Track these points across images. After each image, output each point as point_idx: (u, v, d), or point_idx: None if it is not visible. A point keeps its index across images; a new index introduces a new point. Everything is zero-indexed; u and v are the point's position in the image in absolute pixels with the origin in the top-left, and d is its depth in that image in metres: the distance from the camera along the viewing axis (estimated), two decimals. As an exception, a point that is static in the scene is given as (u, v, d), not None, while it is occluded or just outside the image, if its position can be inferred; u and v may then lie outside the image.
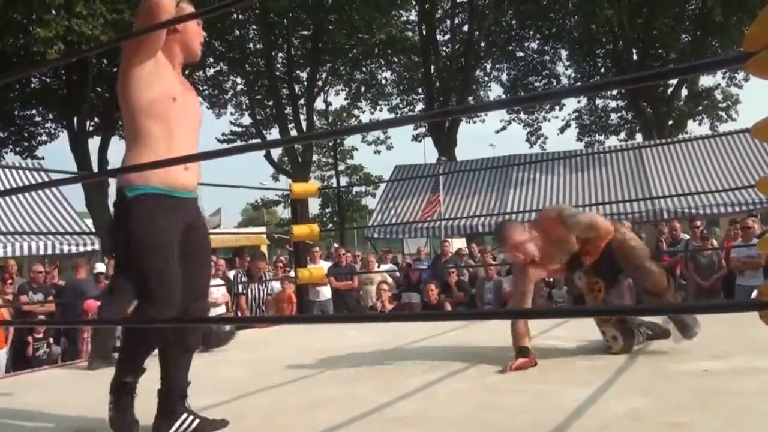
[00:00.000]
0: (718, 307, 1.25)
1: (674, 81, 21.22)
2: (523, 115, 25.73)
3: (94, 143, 20.29)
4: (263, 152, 24.52)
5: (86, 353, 7.19)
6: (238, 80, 25.10)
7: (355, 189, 31.52)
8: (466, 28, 23.92)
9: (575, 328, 3.92)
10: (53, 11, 15.74)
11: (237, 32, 23.07)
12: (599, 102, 25.23)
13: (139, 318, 2.33)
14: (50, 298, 7.83)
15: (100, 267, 9.14)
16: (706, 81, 23.97)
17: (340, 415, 2.42)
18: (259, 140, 23.82)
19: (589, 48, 23.79)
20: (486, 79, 25.72)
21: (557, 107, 25.47)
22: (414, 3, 23.19)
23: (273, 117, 24.73)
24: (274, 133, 25.05)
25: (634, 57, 21.77)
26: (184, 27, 2.38)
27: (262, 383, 3.08)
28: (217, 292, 8.27)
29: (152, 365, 2.37)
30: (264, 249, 14.86)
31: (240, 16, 22.15)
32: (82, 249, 11.80)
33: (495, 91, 26.84)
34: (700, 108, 22.83)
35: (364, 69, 25.60)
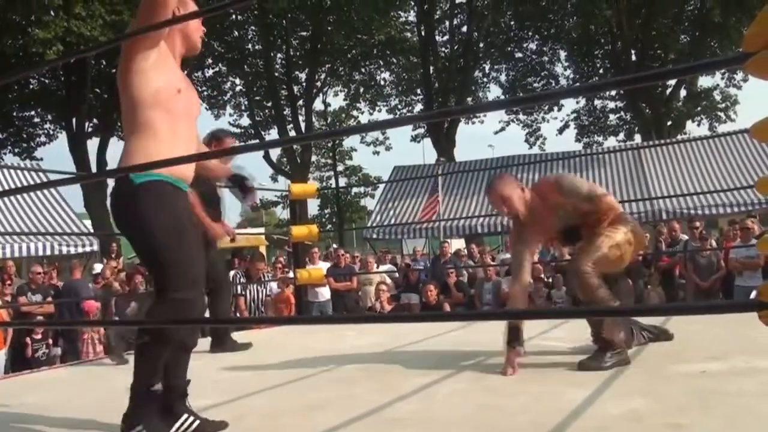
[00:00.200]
0: (717, 307, 1.25)
1: (673, 81, 21.25)
2: (522, 116, 25.77)
3: (92, 144, 20.31)
4: (262, 153, 24.54)
5: (86, 354, 7.20)
6: (237, 81, 25.15)
7: (354, 190, 31.53)
8: (464, 28, 23.97)
9: (574, 328, 3.92)
10: (52, 12, 15.74)
11: (236, 33, 23.08)
12: (598, 103, 25.29)
13: (140, 318, 2.30)
14: (49, 299, 7.82)
15: (99, 268, 9.15)
16: (704, 81, 24.06)
17: (340, 416, 2.41)
18: (257, 141, 23.82)
19: (587, 49, 23.82)
20: (485, 79, 25.80)
21: (556, 108, 25.52)
22: (413, 4, 23.22)
23: (272, 118, 24.74)
24: (272, 134, 25.07)
25: (633, 58, 21.80)
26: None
27: (261, 384, 3.07)
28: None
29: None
30: (263, 250, 14.85)
31: (239, 17, 22.16)
32: (80, 250, 11.80)
33: (494, 92, 26.94)
34: (699, 108, 22.86)
35: (362, 70, 25.62)
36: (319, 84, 25.29)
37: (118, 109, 2.36)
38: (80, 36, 15.34)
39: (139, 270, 7.19)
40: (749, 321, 1.43)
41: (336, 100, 57.49)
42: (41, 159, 20.97)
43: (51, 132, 22.03)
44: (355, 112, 27.66)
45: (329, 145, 29.25)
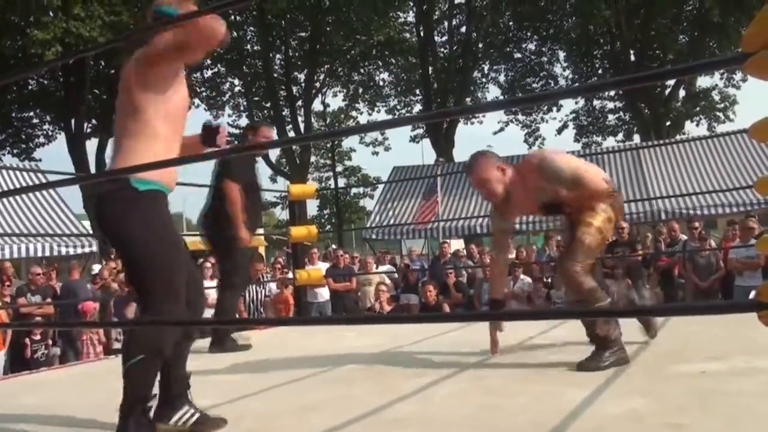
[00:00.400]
0: (717, 307, 1.25)
1: (672, 82, 21.25)
2: (520, 116, 25.78)
3: (91, 145, 20.33)
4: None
5: (86, 355, 7.19)
6: (236, 82, 25.14)
7: (353, 190, 31.55)
8: (463, 29, 23.97)
9: (574, 328, 3.92)
10: (51, 13, 15.74)
11: (235, 34, 23.04)
12: (597, 103, 25.30)
13: (139, 320, 2.29)
14: (48, 300, 7.81)
15: (97, 269, 9.14)
16: (703, 82, 24.07)
17: (339, 417, 2.41)
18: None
19: (586, 49, 23.83)
20: (484, 80, 25.79)
21: (555, 108, 25.52)
22: (412, 4, 23.22)
23: (271, 118, 24.71)
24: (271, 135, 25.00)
25: (632, 58, 21.81)
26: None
27: (260, 385, 3.07)
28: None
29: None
30: (262, 250, 14.83)
31: (238, 18, 22.14)
32: (79, 251, 11.80)
33: (493, 92, 26.85)
34: (698, 109, 22.87)
35: (361, 70, 25.62)
36: (318, 84, 25.29)
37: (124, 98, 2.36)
38: (79, 37, 15.33)
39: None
40: (749, 321, 1.43)
41: (335, 101, 57.58)
42: (40, 160, 21.03)
43: (50, 133, 22.06)
44: (354, 113, 27.69)
45: (328, 145, 29.27)
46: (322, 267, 8.98)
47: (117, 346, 6.97)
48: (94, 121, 20.76)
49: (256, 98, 24.98)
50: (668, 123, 21.69)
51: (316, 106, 26.71)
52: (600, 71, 24.03)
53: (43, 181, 9.43)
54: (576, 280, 2.98)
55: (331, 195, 29.97)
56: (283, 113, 23.85)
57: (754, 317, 1.08)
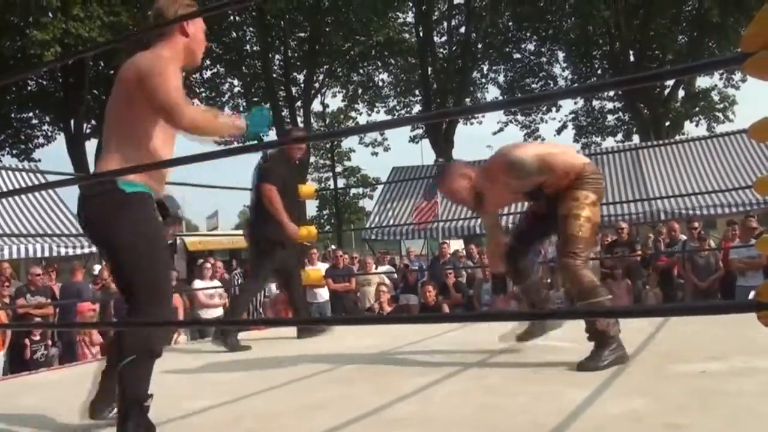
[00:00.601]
0: (716, 307, 1.25)
1: (671, 82, 21.25)
2: (520, 117, 25.80)
3: (91, 145, 20.29)
4: (260, 154, 24.47)
5: (82, 356, 7.18)
6: (235, 82, 25.13)
7: (353, 191, 31.58)
8: (463, 29, 23.96)
9: (573, 328, 3.92)
10: (50, 14, 15.72)
11: (234, 34, 23.06)
12: (596, 103, 25.30)
13: (139, 320, 2.27)
14: (47, 300, 7.80)
15: (98, 269, 9.14)
16: (702, 82, 24.07)
17: (339, 417, 2.41)
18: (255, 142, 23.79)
19: (586, 49, 23.83)
20: (483, 80, 25.79)
21: (554, 109, 25.53)
22: (411, 5, 23.22)
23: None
24: (271, 135, 25.04)
25: (631, 58, 21.81)
26: (194, 34, 2.42)
27: (260, 385, 3.07)
28: (215, 293, 8.26)
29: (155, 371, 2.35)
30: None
31: (237, 18, 22.14)
32: (79, 251, 11.78)
33: (492, 93, 26.86)
34: (697, 109, 22.87)
35: (361, 71, 25.61)
36: (317, 85, 25.28)
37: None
38: (78, 37, 15.32)
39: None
40: (748, 321, 1.43)
41: (334, 101, 57.54)
42: (39, 160, 21.01)
43: (49, 133, 22.05)
44: (353, 113, 27.69)
45: (327, 146, 29.28)
46: (322, 267, 8.98)
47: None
48: (93, 122, 20.73)
49: (256, 99, 24.95)
50: (667, 123, 21.69)
51: (316, 106, 26.77)
52: (599, 72, 24.04)
53: (43, 181, 9.43)
54: (577, 273, 3.04)
55: (331, 195, 29.97)
56: (283, 114, 23.84)
57: (753, 317, 1.08)
